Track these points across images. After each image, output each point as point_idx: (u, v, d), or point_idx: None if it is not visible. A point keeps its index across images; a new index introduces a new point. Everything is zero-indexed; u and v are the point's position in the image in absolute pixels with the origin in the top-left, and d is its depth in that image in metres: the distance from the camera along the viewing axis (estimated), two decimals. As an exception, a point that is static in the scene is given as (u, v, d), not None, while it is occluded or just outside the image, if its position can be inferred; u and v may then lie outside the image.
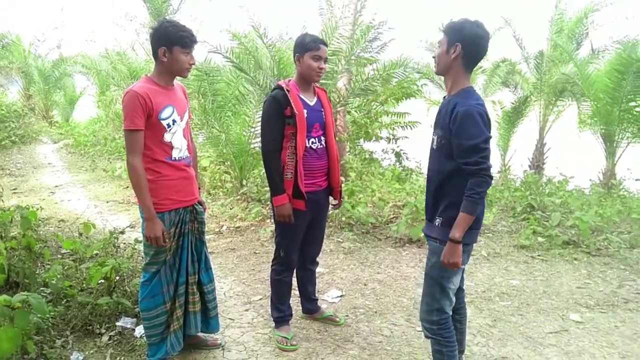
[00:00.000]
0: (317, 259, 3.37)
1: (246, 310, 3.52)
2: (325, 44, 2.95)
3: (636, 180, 7.44)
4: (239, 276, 4.15)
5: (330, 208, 3.27)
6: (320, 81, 6.31)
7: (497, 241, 5.08)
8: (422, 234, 4.69)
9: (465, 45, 2.15)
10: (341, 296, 3.81)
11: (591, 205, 5.95)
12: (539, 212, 5.73)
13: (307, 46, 2.85)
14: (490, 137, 2.13)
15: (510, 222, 5.73)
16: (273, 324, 3.19)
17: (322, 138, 2.98)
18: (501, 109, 11.46)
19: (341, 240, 5.06)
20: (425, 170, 2.56)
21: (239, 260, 4.50)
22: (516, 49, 11.26)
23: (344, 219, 5.47)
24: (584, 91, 8.87)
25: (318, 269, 4.30)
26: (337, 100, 6.85)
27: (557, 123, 11.06)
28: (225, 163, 7.15)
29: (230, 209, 6.03)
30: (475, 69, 2.46)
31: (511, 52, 12.24)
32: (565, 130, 10.56)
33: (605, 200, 6.75)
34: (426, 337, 2.44)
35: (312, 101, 2.96)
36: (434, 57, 2.29)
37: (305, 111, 2.85)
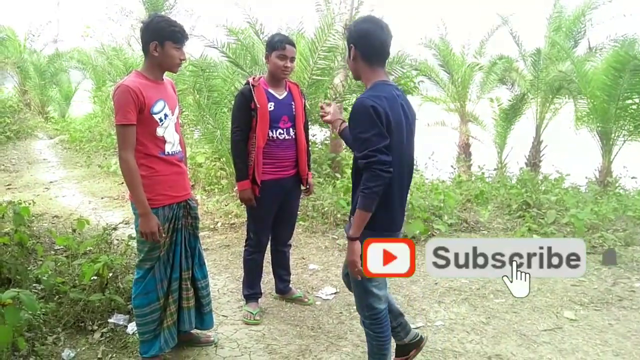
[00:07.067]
0: (290, 242, 3.55)
1: (240, 307, 3.50)
2: (293, 44, 3.07)
3: (632, 178, 7.44)
4: (233, 273, 4.14)
5: (302, 195, 3.45)
6: (316, 77, 6.36)
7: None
8: (417, 231, 4.68)
9: (358, 45, 2.14)
10: (335, 293, 3.79)
11: (587, 203, 5.95)
12: (534, 210, 5.73)
13: (274, 45, 3.03)
14: (380, 132, 1.99)
15: (505, 219, 5.73)
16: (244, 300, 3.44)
17: (291, 130, 3.14)
18: (498, 106, 11.47)
19: (336, 237, 5.04)
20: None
21: (234, 257, 4.48)
22: (513, 46, 11.30)
23: (339, 215, 5.46)
24: (580, 89, 8.88)
25: (312, 266, 4.31)
26: (334, 96, 6.83)
27: (554, 120, 11.08)
28: (221, 160, 7.12)
29: (226, 205, 6.00)
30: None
31: (508, 49, 12.26)
32: (562, 127, 10.57)
33: (601, 198, 6.74)
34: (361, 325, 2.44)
35: (281, 95, 3.13)
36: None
37: (272, 104, 3.05)
